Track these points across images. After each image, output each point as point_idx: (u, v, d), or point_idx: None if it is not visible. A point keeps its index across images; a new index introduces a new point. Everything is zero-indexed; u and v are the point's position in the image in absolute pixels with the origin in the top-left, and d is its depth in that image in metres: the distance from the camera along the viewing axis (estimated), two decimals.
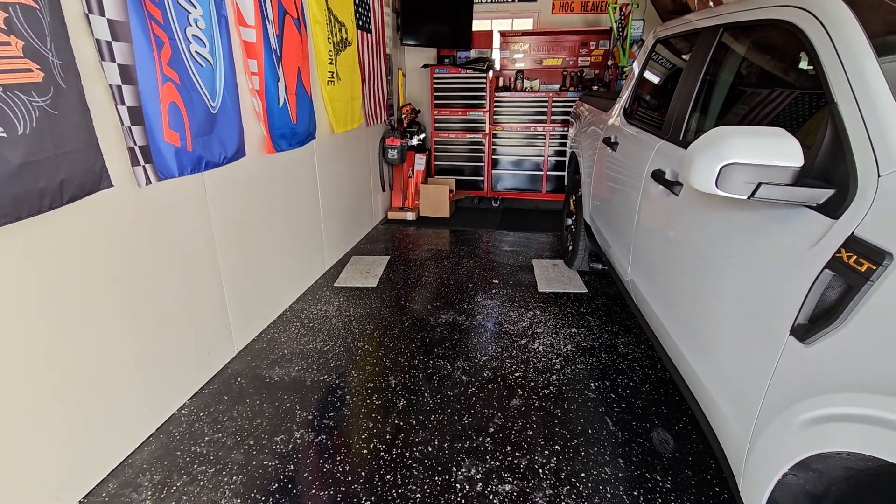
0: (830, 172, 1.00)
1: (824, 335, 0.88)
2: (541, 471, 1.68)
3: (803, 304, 0.94)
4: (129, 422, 1.77)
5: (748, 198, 1.03)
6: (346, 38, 3.53)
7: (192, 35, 1.90)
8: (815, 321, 0.91)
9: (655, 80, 2.29)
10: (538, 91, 4.98)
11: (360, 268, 3.53)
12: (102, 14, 1.51)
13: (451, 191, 4.93)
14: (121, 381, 1.71)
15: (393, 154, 4.57)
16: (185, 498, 1.58)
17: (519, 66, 5.22)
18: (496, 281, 3.29)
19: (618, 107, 2.60)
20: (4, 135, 1.17)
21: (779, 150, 0.99)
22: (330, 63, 3.26)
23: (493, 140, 5.09)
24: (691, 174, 1.11)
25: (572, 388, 2.14)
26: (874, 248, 0.83)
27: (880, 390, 0.75)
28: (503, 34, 5.15)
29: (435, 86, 5.00)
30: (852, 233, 0.88)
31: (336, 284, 3.24)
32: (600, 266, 2.93)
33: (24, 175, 1.25)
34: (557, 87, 5.04)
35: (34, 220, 1.33)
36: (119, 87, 1.60)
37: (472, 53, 5.19)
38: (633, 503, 1.56)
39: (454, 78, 4.94)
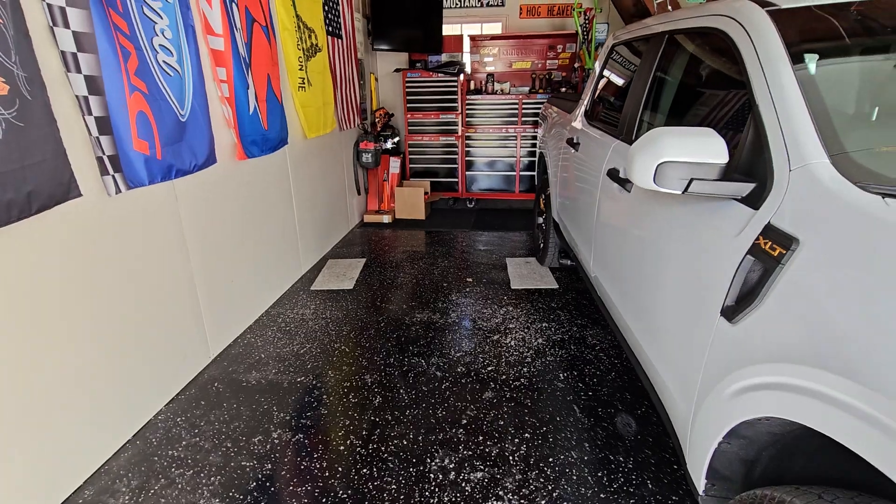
0: (753, 167, 1.10)
1: (746, 314, 0.98)
2: (511, 458, 1.76)
3: (730, 287, 1.04)
4: (104, 430, 1.78)
5: (682, 192, 1.13)
6: (317, 45, 3.57)
7: (159, 45, 1.92)
8: (740, 302, 1.01)
9: (613, 82, 2.40)
10: (508, 94, 5.09)
11: (336, 271, 3.56)
12: (67, 26, 1.54)
13: (426, 193, 4.99)
14: (94, 391, 1.73)
15: (367, 158, 4.61)
16: (163, 501, 1.60)
17: (490, 69, 5.33)
18: (470, 280, 3.37)
19: (580, 108, 2.71)
20: None
21: (706, 148, 1.09)
22: (300, 69, 3.29)
23: (467, 142, 5.18)
24: (633, 172, 1.20)
25: (542, 379, 2.23)
26: (785, 235, 0.93)
27: (791, 360, 0.85)
28: (473, 38, 5.25)
29: (407, 90, 5.06)
30: (769, 222, 0.99)
31: (312, 288, 3.27)
32: (569, 262, 3.04)
33: None
34: (527, 89, 5.16)
35: (2, 231, 1.34)
36: (86, 98, 1.62)
37: (443, 57, 5.29)
38: (597, 483, 1.65)
39: (426, 82, 5.01)
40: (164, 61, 1.94)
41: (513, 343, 2.54)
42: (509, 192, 5.29)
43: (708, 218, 1.20)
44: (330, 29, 3.80)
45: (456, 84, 4.97)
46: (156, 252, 2.02)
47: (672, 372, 1.31)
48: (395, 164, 4.99)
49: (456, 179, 5.32)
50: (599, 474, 1.69)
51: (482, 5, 5.22)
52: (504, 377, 2.24)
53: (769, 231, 0.97)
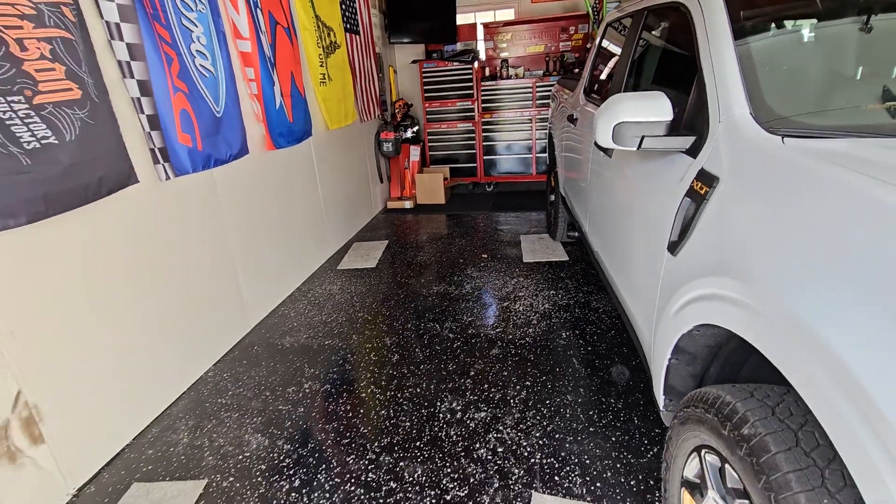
0: (696, 123, 1.26)
1: (683, 246, 1.15)
2: (511, 401, 1.98)
3: (672, 225, 1.21)
4: (163, 383, 2.11)
5: (637, 149, 1.30)
6: (335, 42, 3.83)
7: (196, 50, 2.21)
8: (680, 237, 1.18)
9: (605, 58, 2.54)
10: (523, 77, 5.22)
11: (360, 252, 3.84)
12: (121, 39, 1.83)
13: (445, 178, 5.21)
14: (155, 350, 2.05)
15: (388, 147, 4.86)
16: (214, 435, 1.91)
17: (503, 55, 5.46)
18: (485, 255, 3.57)
19: (580, 86, 2.86)
20: (56, 141, 1.49)
21: (654, 108, 1.26)
22: (321, 66, 3.56)
23: (483, 127, 5.36)
24: (597, 134, 1.38)
25: (546, 337, 2.42)
26: (710, 175, 1.10)
27: (706, 275, 1.02)
28: (486, 26, 5.39)
29: (424, 80, 5.27)
30: (702, 167, 1.15)
31: (339, 267, 3.56)
32: (576, 234, 3.19)
33: (72, 173, 1.57)
34: (541, 72, 5.27)
35: (81, 211, 1.65)
36: (138, 99, 1.92)
37: (458, 46, 5.46)
38: (587, 420, 1.84)
39: (442, 71, 5.21)
40: (200, 64, 2.23)
41: (521, 308, 2.73)
42: (526, 175, 5.43)
43: (662, 170, 1.36)
44: (348, 26, 4.05)
45: (471, 71, 5.14)
46: (200, 232, 2.33)
47: (637, 304, 1.49)
48: (415, 153, 5.22)
49: (474, 164, 5.51)
50: (591, 413, 1.88)
51: None
52: (511, 337, 2.45)
53: (701, 174, 1.14)
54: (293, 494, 1.60)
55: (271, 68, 2.85)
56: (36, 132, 1.42)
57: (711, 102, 1.20)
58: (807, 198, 0.83)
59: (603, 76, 2.48)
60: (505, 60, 5.36)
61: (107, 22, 1.78)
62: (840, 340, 0.66)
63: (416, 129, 5.25)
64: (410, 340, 2.50)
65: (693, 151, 1.22)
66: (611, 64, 2.35)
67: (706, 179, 1.11)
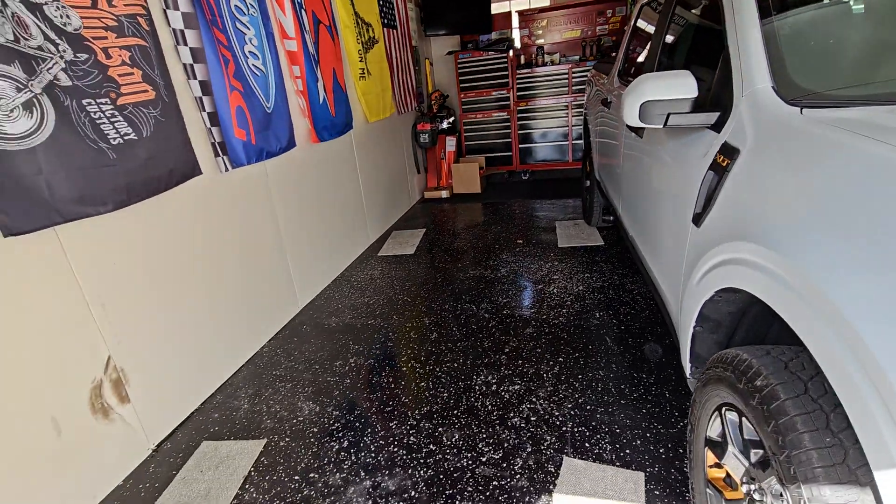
0: (721, 99, 1.30)
1: (706, 216, 1.20)
2: (545, 375, 2.06)
3: (697, 198, 1.26)
4: (226, 356, 2.33)
5: (663, 126, 1.35)
6: (374, 37, 3.97)
7: (249, 51, 2.40)
8: (703, 209, 1.23)
9: (638, 40, 2.54)
10: (558, 64, 5.20)
11: (399, 240, 4.00)
12: (186, 44, 2.03)
13: (481, 168, 5.29)
14: (217, 328, 2.27)
15: (424, 138, 4.99)
16: (271, 402, 2.11)
17: (539, 42, 5.45)
18: (520, 241, 3.64)
19: (614, 69, 2.86)
20: (136, 137, 1.70)
21: (679, 87, 1.31)
22: (360, 61, 3.71)
23: (519, 116, 5.38)
24: (624, 114, 1.44)
25: (579, 317, 2.48)
26: (732, 148, 1.14)
27: (727, 240, 1.07)
28: (521, 13, 5.40)
29: (459, 70, 5.35)
30: (725, 140, 1.20)
31: (379, 254, 3.73)
32: (611, 218, 3.20)
33: (149, 166, 1.78)
34: (577, 58, 5.23)
35: (154, 200, 1.86)
36: (200, 98, 2.12)
37: (493, 35, 5.49)
38: (618, 393, 1.90)
39: (477, 61, 5.27)
40: (252, 64, 2.42)
41: (555, 290, 2.80)
42: (562, 162, 5.42)
43: (689, 147, 1.40)
44: (385, 21, 4.19)
45: (505, 60, 5.17)
46: (254, 220, 2.53)
47: (665, 277, 1.53)
48: (451, 143, 5.32)
49: (510, 153, 5.55)
50: (622, 387, 1.94)
51: None
52: (545, 317, 2.53)
53: (724, 148, 1.18)
54: (342, 454, 1.77)
55: (315, 65, 3.03)
56: (119, 129, 1.62)
57: (736, 78, 1.24)
58: (818, 163, 0.88)
59: (638, 58, 2.49)
60: (540, 47, 5.35)
61: (173, 29, 1.98)
62: (846, 298, 0.71)
63: (451, 119, 5.35)
64: (448, 320, 2.62)
65: (717, 127, 1.26)
66: (644, 45, 2.36)
67: (728, 152, 1.15)
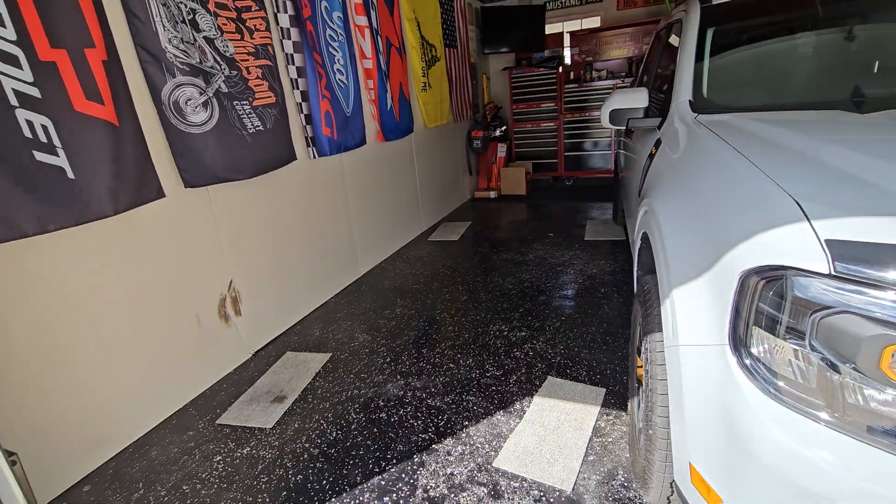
0: (664, 108, 1.80)
1: (642, 189, 1.70)
2: (547, 328, 2.58)
3: (641, 178, 1.76)
4: (304, 300, 3.05)
5: (625, 128, 1.87)
6: (436, 56, 4.66)
7: (336, 68, 3.14)
8: (641, 184, 1.73)
9: (648, 60, 3.00)
10: (605, 80, 5.63)
11: (447, 230, 4.62)
12: (293, 64, 2.79)
13: (527, 172, 5.81)
14: (302, 276, 2.99)
15: (477, 143, 5.61)
16: (335, 332, 2.78)
17: (588, 59, 5.91)
18: (551, 234, 4.14)
19: (634, 85, 3.33)
20: (263, 129, 2.45)
21: (636, 99, 1.83)
22: (423, 76, 4.41)
23: (565, 126, 5.86)
24: (601, 118, 1.97)
25: (587, 290, 2.96)
26: (659, 141, 1.65)
27: (644, 199, 1.58)
28: (573, 34, 5.89)
29: (513, 84, 5.93)
30: (658, 136, 1.70)
31: (429, 239, 4.37)
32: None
33: (269, 150, 2.52)
34: (623, 74, 5.63)
35: (267, 175, 2.61)
36: (300, 104, 2.88)
37: (546, 53, 6.03)
38: (602, 342, 2.38)
39: (528, 76, 5.83)
40: (339, 79, 3.16)
41: (572, 272, 3.29)
42: (604, 170, 5.82)
43: (646, 143, 1.91)
44: (447, 42, 4.88)
45: (555, 76, 5.69)
46: (331, 199, 3.26)
47: (632, 245, 2.03)
48: (501, 149, 5.90)
49: (556, 160, 6.03)
50: (607, 338, 2.41)
51: (581, 3, 5.84)
52: (558, 289, 3.03)
53: (657, 142, 1.69)
54: (384, 365, 2.39)
55: (385, 79, 3.75)
56: (254, 123, 2.38)
57: (673, 94, 1.74)
58: (685, 149, 1.38)
59: (644, 76, 2.96)
60: (589, 64, 5.82)
61: (286, 53, 2.74)
62: (664, 219, 1.23)
63: (503, 128, 5.94)
64: (477, 288, 3.19)
65: (659, 127, 1.77)
66: (648, 65, 2.84)
67: (657, 144, 1.66)
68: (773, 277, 0.82)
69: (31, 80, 1.60)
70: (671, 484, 1.23)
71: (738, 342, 0.88)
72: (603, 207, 4.84)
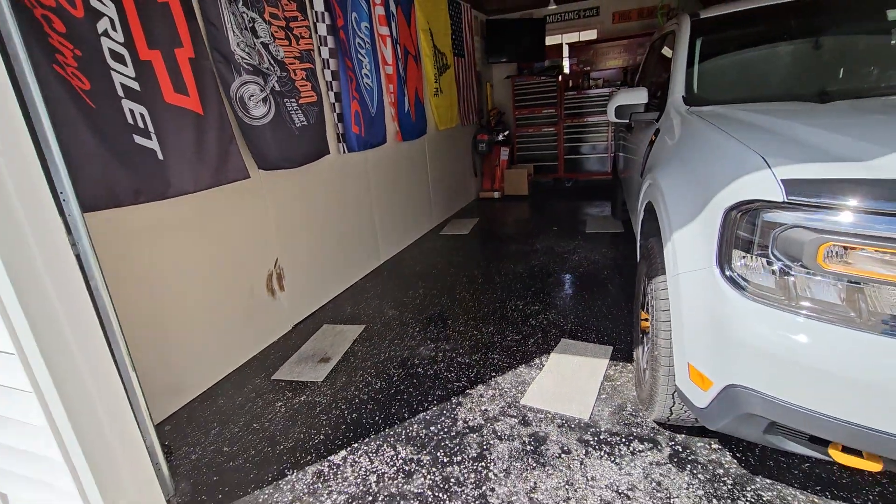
0: (662, 104, 2.14)
1: (647, 170, 2.03)
2: (558, 303, 2.89)
3: (643, 162, 2.09)
4: (335, 281, 3.34)
5: (629, 121, 2.21)
6: (447, 63, 5.02)
7: (363, 73, 3.47)
8: (643, 166, 2.06)
9: (644, 67, 3.37)
10: (601, 88, 6.02)
11: (457, 225, 4.94)
12: (328, 68, 3.12)
13: (529, 174, 6.16)
14: (335, 260, 3.29)
15: (482, 147, 5.96)
16: (366, 307, 3.08)
17: (585, 69, 6.31)
18: (555, 228, 4.47)
19: None
20: (307, 124, 2.76)
21: (638, 97, 2.17)
22: (435, 82, 4.76)
23: (565, 131, 6.23)
24: (608, 113, 2.30)
25: (591, 273, 3.28)
26: (658, 130, 1.98)
27: (647, 178, 1.90)
28: (571, 45, 6.30)
29: (515, 92, 6.31)
30: (657, 127, 2.04)
31: (441, 233, 4.69)
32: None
33: (311, 143, 2.83)
34: (619, 83, 6.03)
35: (307, 166, 2.91)
36: (333, 104, 3.20)
37: (546, 63, 6.42)
38: (608, 312, 2.69)
39: (530, 84, 6.21)
40: (365, 83, 3.49)
41: (576, 258, 3.61)
42: (601, 172, 6.19)
43: (646, 134, 2.24)
44: (456, 51, 5.24)
45: (555, 84, 6.07)
46: (356, 191, 3.57)
47: (633, 210, 2.36)
48: (504, 152, 6.25)
49: (556, 163, 6.39)
50: (613, 310, 2.73)
51: (579, 17, 6.25)
52: (565, 272, 3.35)
53: (656, 131, 2.02)
54: (416, 333, 2.68)
55: (403, 84, 4.09)
56: (300, 119, 2.69)
57: (669, 92, 2.08)
58: (680, 132, 1.72)
59: (639, 81, 3.32)
60: (587, 73, 6.21)
61: (323, 58, 3.07)
62: (666, 185, 1.55)
63: (506, 133, 6.30)
64: (491, 272, 3.50)
65: (658, 120, 2.11)
66: (644, 70, 3.20)
67: (656, 133, 2.00)
68: (747, 210, 1.14)
69: (133, 75, 1.91)
70: (673, 394, 1.53)
71: (723, 262, 1.20)
72: (602, 206, 5.19)
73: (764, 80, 2.09)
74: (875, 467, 1.06)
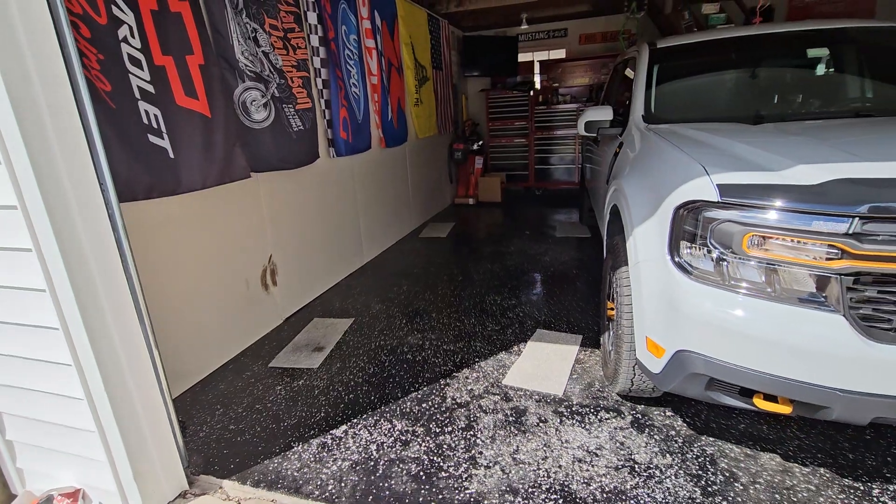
0: (624, 121, 2.45)
1: (612, 178, 2.33)
2: (533, 298, 3.16)
3: (608, 170, 2.39)
4: (321, 279, 3.50)
5: (596, 135, 2.51)
6: (426, 76, 5.28)
7: (352, 83, 3.68)
8: (608, 175, 2.36)
9: (609, 86, 3.73)
10: (569, 103, 6.43)
11: (434, 228, 5.17)
12: (320, 76, 3.31)
13: (502, 182, 6.48)
14: (319, 259, 3.45)
15: (458, 155, 6.23)
16: (354, 302, 3.25)
17: (555, 85, 6.71)
18: (527, 232, 4.77)
19: None
20: (303, 129, 2.94)
21: (604, 114, 2.47)
22: (416, 92, 5.00)
23: (535, 143, 6.59)
24: (578, 127, 2.60)
25: (562, 272, 3.58)
26: (621, 143, 2.29)
27: (612, 184, 2.20)
28: (542, 62, 6.69)
29: (489, 105, 6.63)
30: (620, 141, 2.34)
31: (420, 236, 4.91)
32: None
33: (307, 147, 3.01)
34: (585, 99, 6.45)
35: (296, 170, 3.08)
36: (324, 111, 3.38)
37: (518, 79, 6.79)
38: (577, 306, 2.98)
39: (504, 98, 6.55)
40: (353, 91, 3.70)
41: (547, 258, 3.91)
42: (569, 182, 6.58)
43: (610, 146, 2.55)
44: (435, 64, 5.51)
45: (527, 99, 6.43)
46: (343, 194, 3.75)
47: (599, 213, 2.66)
48: (479, 161, 6.55)
49: (527, 172, 6.74)
50: (581, 304, 3.02)
51: (549, 37, 6.66)
52: (538, 271, 3.63)
53: (619, 144, 2.33)
54: (403, 325, 2.89)
55: (387, 94, 4.31)
56: (297, 123, 2.87)
57: (631, 110, 2.40)
58: (640, 146, 2.02)
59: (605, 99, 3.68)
60: (556, 89, 6.61)
61: (315, 68, 3.26)
62: (628, 190, 1.84)
63: (480, 142, 6.60)
64: (469, 271, 3.75)
65: (621, 134, 2.42)
66: (609, 89, 3.55)
67: (620, 146, 2.30)
68: (692, 208, 1.43)
69: (148, 78, 2.06)
70: (634, 367, 1.81)
71: (673, 251, 1.48)
72: (570, 212, 5.55)
73: (710, 103, 2.44)
74: (787, 410, 1.36)
